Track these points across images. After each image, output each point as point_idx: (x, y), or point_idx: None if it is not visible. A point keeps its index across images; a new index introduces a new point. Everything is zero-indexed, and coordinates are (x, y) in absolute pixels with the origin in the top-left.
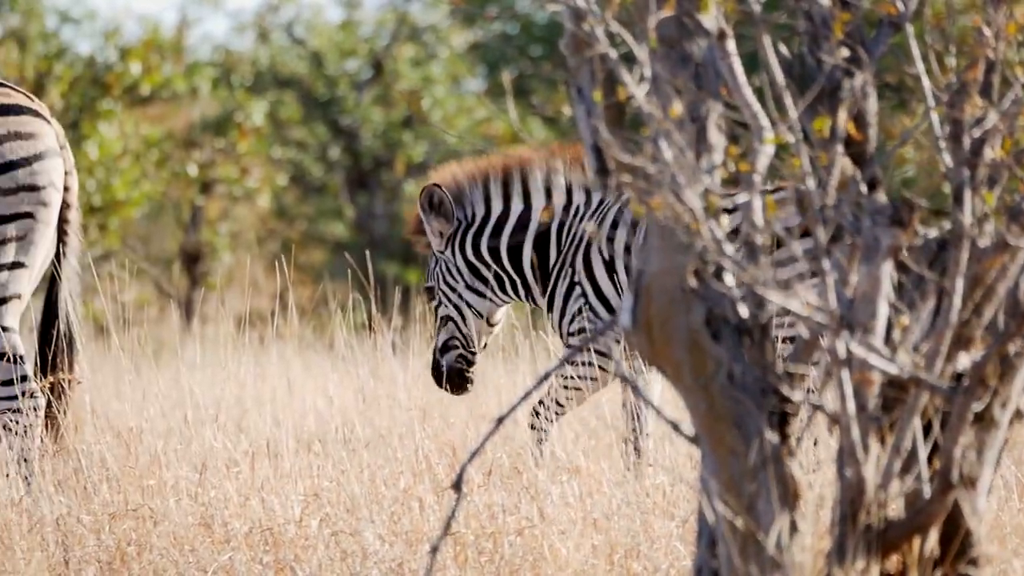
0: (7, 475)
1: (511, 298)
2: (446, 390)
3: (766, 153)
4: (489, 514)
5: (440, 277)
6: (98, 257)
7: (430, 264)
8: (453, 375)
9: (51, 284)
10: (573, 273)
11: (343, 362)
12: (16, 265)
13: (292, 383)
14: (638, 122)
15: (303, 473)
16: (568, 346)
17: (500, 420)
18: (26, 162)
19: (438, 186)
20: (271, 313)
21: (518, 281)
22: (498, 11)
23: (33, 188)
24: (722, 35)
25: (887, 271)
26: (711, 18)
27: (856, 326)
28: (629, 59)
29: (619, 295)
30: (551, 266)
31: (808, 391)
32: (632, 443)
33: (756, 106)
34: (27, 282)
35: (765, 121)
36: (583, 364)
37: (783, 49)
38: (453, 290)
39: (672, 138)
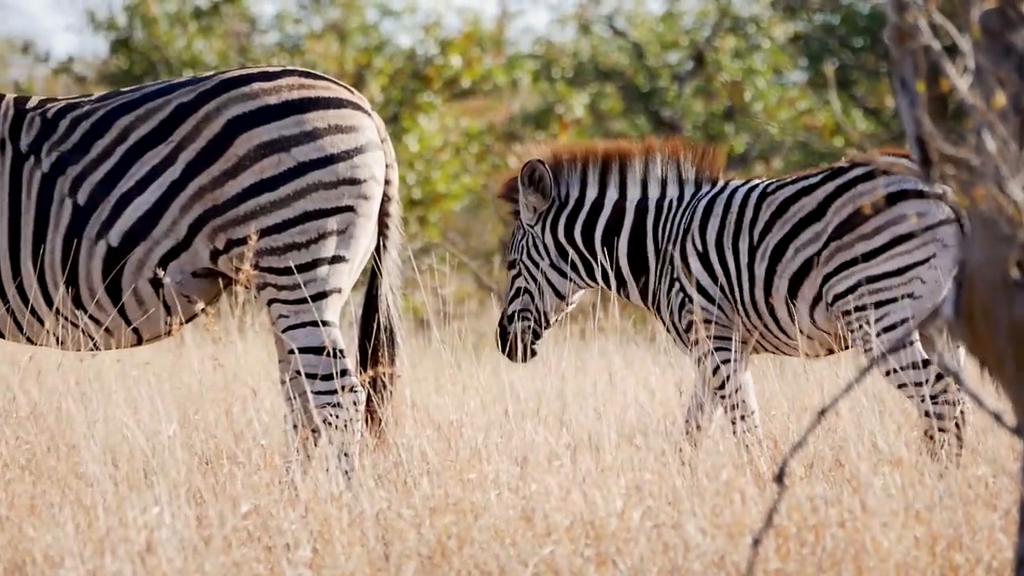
0: (327, 469)
1: (597, 285)
2: (509, 357)
3: None
4: (811, 506)
5: (524, 250)
6: (418, 251)
7: (515, 235)
8: (518, 344)
9: (372, 278)
10: (673, 269)
11: (664, 355)
12: (337, 259)
13: (613, 376)
14: (961, 114)
15: (625, 466)
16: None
17: (822, 413)
18: (347, 155)
19: (542, 162)
20: (592, 307)
21: (610, 272)
22: (821, 2)
23: (354, 182)
24: None
25: None
26: None
27: None
28: (952, 51)
29: (716, 286)
30: (650, 262)
31: None
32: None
33: None
34: (347, 276)
35: None
36: (716, 351)
37: None
38: (536, 265)
39: (995, 130)
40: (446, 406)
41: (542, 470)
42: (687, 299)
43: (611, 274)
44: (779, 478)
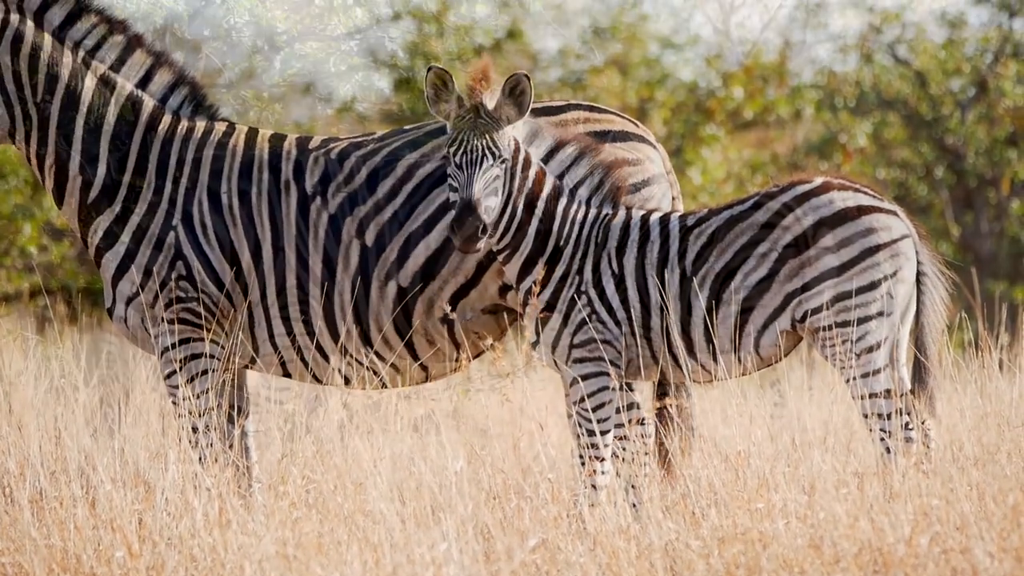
0: (615, 503)
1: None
2: (468, 241)
3: None
4: None
5: (517, 162)
6: None
7: (505, 141)
8: (479, 236)
9: None
10: (581, 282)
11: (950, 381)
12: None
13: None
14: None
15: (912, 492)
16: (578, 359)
17: None
18: (635, 188)
19: (528, 77)
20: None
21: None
22: None
23: None
24: None
25: None
26: None
27: None
28: None
29: (626, 311)
30: (547, 248)
31: None
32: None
33: None
34: None
35: None
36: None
37: None
38: (514, 180)
39: None
40: (733, 436)
41: (830, 498)
42: (594, 315)
43: (509, 236)
44: None
